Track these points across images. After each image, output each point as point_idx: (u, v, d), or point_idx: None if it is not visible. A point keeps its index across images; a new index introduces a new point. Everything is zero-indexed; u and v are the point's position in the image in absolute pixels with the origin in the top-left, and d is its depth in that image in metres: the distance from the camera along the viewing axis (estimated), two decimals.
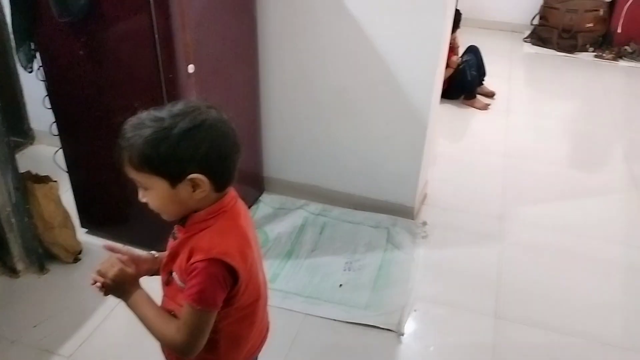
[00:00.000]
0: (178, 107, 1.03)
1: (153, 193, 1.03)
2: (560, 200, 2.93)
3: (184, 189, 1.01)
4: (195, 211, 1.06)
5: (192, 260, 1.02)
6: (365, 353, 1.97)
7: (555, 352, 1.99)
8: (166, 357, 1.24)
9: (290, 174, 2.77)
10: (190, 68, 1.92)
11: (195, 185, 1.01)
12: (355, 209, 2.70)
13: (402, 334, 2.03)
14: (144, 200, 1.06)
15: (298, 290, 2.21)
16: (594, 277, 2.37)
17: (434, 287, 2.29)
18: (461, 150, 3.48)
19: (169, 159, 0.98)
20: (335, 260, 2.38)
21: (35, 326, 2.00)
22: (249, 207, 2.67)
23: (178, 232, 1.11)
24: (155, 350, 1.23)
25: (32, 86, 2.69)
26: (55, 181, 2.21)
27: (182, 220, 1.09)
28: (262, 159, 2.73)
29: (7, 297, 2.14)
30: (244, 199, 2.80)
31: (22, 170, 2.20)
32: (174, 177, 1.00)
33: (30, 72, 2.13)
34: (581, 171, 3.29)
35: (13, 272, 2.22)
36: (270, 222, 2.58)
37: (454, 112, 3.95)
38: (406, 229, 2.57)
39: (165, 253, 1.15)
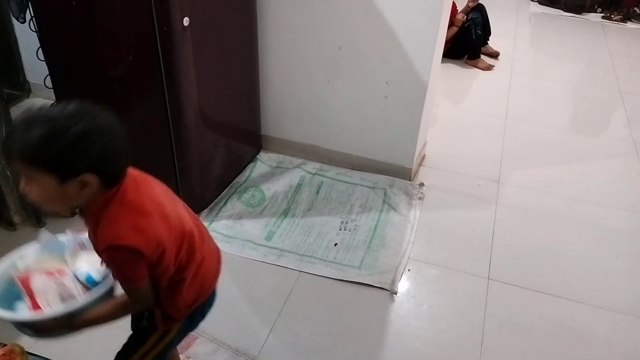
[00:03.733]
0: (72, 107, 1.01)
1: (39, 187, 1.01)
2: (559, 164, 2.92)
3: (72, 186, 1.01)
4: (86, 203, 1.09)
5: (98, 252, 1.08)
6: (359, 311, 2.00)
7: (546, 313, 2.02)
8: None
9: (288, 133, 2.74)
10: (186, 21, 1.88)
11: (84, 184, 1.01)
12: (353, 169, 2.69)
13: (395, 293, 2.06)
14: (25, 190, 1.03)
15: (293, 249, 2.22)
16: (588, 241, 2.38)
17: (428, 248, 2.30)
18: (462, 111, 3.44)
19: (63, 159, 0.97)
20: (331, 220, 2.39)
21: None
22: (246, 165, 2.66)
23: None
24: None
25: (27, 38, 2.65)
26: None
27: (81, 214, 1.11)
28: (260, 117, 2.71)
29: (5, 249, 2.14)
30: (242, 157, 2.79)
31: None
32: (65, 175, 1.00)
33: (23, 22, 2.09)
34: (582, 135, 3.26)
35: (10, 224, 2.23)
36: (267, 181, 2.58)
37: (456, 72, 3.89)
38: (403, 190, 2.57)
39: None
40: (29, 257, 1.24)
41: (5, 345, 0.83)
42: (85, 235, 1.22)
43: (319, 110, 2.62)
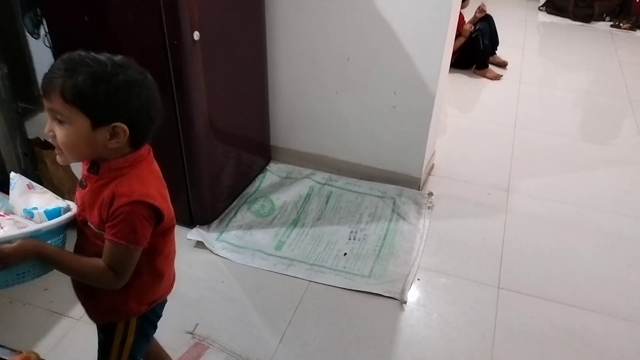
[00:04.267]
0: (120, 57, 1.06)
1: (69, 129, 1.02)
2: (569, 172, 2.91)
3: (102, 134, 1.03)
4: (103, 159, 1.09)
5: (115, 206, 1.06)
6: (369, 320, 2.00)
7: (557, 321, 2.01)
8: (77, 293, 1.26)
9: (297, 143, 2.77)
10: (196, 35, 1.91)
11: (114, 133, 1.04)
12: (362, 178, 2.70)
13: (405, 302, 2.06)
14: (50, 133, 1.04)
15: (303, 258, 2.24)
16: (599, 250, 2.37)
17: (438, 257, 2.30)
18: (471, 120, 3.45)
19: (102, 102, 1.00)
20: (340, 229, 2.40)
21: (45, 289, 2.05)
22: (256, 175, 2.69)
23: (87, 181, 1.12)
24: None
25: (41, 53, 2.70)
26: None
27: (94, 169, 1.10)
28: (269, 128, 2.73)
29: None
30: (251, 167, 2.82)
31: (31, 136, 2.22)
32: (100, 121, 1.02)
33: (37, 38, 2.14)
34: (592, 143, 3.26)
35: None
36: (276, 191, 2.60)
37: (465, 81, 3.90)
38: (412, 200, 2.57)
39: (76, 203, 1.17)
40: None
41: (22, 352, 0.84)
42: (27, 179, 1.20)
43: (328, 120, 2.65)
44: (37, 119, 3.12)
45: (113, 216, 1.06)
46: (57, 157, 1.09)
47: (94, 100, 1.00)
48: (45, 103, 1.02)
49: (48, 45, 2.14)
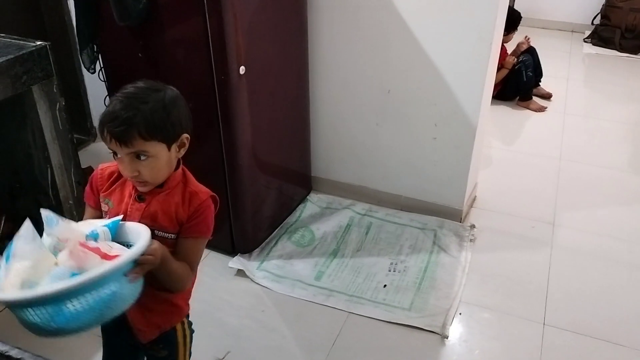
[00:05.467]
0: (146, 82, 1.18)
1: (154, 161, 1.12)
2: (616, 206, 2.82)
3: (174, 150, 1.17)
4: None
5: (196, 203, 1.20)
6: (408, 354, 1.97)
7: None
8: (131, 315, 1.24)
9: (337, 174, 2.79)
10: (242, 69, 1.98)
11: (182, 144, 1.19)
12: (402, 210, 2.70)
13: (447, 337, 2.02)
14: (136, 174, 1.12)
15: (342, 289, 2.23)
16: None
17: (480, 291, 2.26)
18: (514, 152, 3.40)
19: (173, 123, 1.15)
20: (380, 261, 2.39)
21: None
22: (297, 205, 2.72)
23: (147, 195, 1.19)
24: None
25: (95, 86, 2.84)
26: None
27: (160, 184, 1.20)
28: (310, 159, 2.77)
29: None
30: (292, 197, 2.86)
31: (84, 166, 2.33)
32: (172, 140, 1.16)
33: (93, 72, 2.25)
34: (639, 177, 3.15)
35: None
36: (316, 221, 2.62)
37: (508, 113, 3.86)
38: (453, 232, 2.55)
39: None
40: (50, 235, 1.10)
41: None
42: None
43: (368, 152, 2.67)
44: (90, 149, 3.28)
45: (195, 214, 1.19)
46: (140, 187, 1.17)
47: (166, 126, 1.13)
48: (124, 150, 1.10)
49: (102, 80, 2.26)
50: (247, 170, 2.24)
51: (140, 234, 1.10)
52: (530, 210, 2.75)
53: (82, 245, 1.04)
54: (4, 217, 2.28)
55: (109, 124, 1.09)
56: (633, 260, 2.43)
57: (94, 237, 1.10)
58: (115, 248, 1.08)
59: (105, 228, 1.12)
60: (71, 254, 1.03)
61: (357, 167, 2.74)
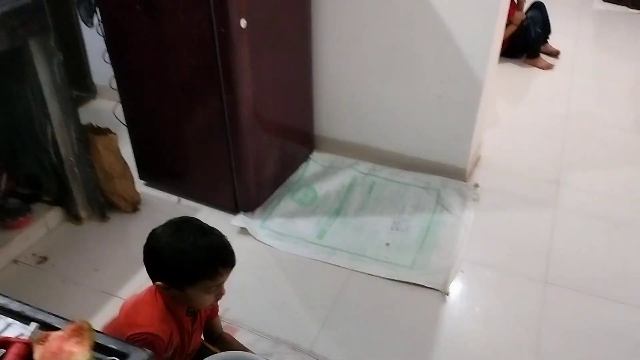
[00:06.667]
0: (196, 219, 1.34)
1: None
2: (621, 166, 2.79)
3: None
4: None
5: (217, 303, 1.41)
6: (409, 311, 1.99)
7: (608, 320, 1.94)
8: None
9: (341, 133, 2.76)
10: (243, 22, 1.93)
11: None
12: (405, 169, 2.67)
13: (448, 294, 2.03)
14: (220, 295, 1.33)
15: (344, 247, 2.24)
16: None
17: (482, 250, 2.26)
18: (521, 111, 3.35)
19: None
20: (383, 220, 2.38)
21: (96, 270, 2.13)
22: (300, 164, 2.70)
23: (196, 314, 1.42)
24: None
25: (94, 41, 2.78)
26: (115, 133, 2.30)
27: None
28: (314, 118, 2.74)
29: (71, 242, 2.28)
30: (295, 156, 2.82)
31: (84, 123, 2.30)
32: None
33: (91, 26, 2.20)
34: None
35: (77, 219, 2.36)
36: (319, 180, 2.60)
37: (515, 71, 3.80)
38: (457, 191, 2.53)
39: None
40: None
41: (75, 322, 0.89)
42: None
43: (372, 110, 2.63)
44: (90, 106, 3.24)
45: (215, 310, 1.52)
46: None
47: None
48: (224, 277, 1.29)
49: (101, 34, 2.20)
50: (249, 128, 2.21)
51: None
52: (534, 170, 2.73)
53: None
54: (5, 175, 2.27)
55: (231, 257, 1.29)
56: (637, 220, 2.42)
57: None
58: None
59: None
60: None
61: (360, 125, 2.70)
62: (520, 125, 3.16)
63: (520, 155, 2.87)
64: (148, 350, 0.88)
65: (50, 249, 2.23)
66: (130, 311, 1.32)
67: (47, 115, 2.09)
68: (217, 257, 1.27)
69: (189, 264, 1.25)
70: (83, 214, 2.36)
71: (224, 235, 1.31)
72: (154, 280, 1.29)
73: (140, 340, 1.21)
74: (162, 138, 2.37)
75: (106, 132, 2.27)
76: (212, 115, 2.16)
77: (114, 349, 0.87)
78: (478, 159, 2.78)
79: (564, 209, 2.47)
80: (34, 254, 2.20)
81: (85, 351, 0.84)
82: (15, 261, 2.16)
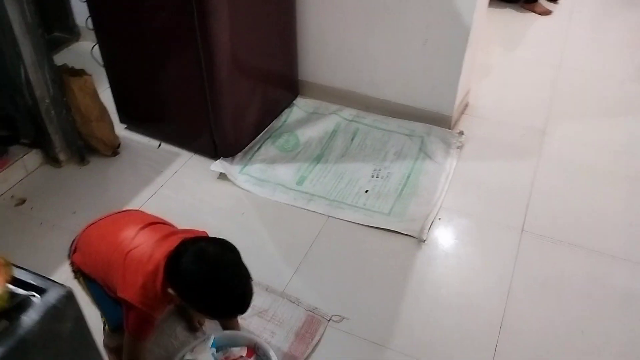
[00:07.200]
0: (227, 244, 1.35)
1: None
2: (609, 117, 2.74)
3: None
4: None
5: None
6: (385, 257, 1.99)
7: (580, 268, 1.95)
8: None
9: (326, 79, 2.70)
10: None
11: None
12: (390, 116, 2.63)
13: (423, 241, 2.03)
14: None
15: (323, 194, 2.23)
16: (631, 198, 2.26)
17: (462, 198, 2.25)
18: (514, 58, 3.27)
19: None
20: (364, 167, 2.37)
21: (74, 212, 2.14)
22: (283, 110, 2.66)
23: None
24: None
25: None
26: (90, 75, 2.25)
27: None
28: (297, 62, 2.67)
29: (50, 185, 2.28)
30: (278, 102, 2.78)
31: (61, 64, 2.25)
32: None
33: None
34: (638, 88, 3.03)
35: (56, 162, 2.35)
36: (302, 126, 2.57)
37: (512, 16, 3.68)
38: (441, 139, 2.50)
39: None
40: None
41: None
42: None
43: (358, 55, 2.56)
44: (73, 48, 3.17)
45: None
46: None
47: None
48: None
49: None
50: (227, 75, 2.15)
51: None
52: (522, 119, 2.69)
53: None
54: None
55: (247, 307, 1.27)
56: (619, 171, 2.39)
57: (214, 346, 1.52)
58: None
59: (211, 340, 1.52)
60: None
61: (345, 71, 2.64)
62: (512, 73, 3.09)
63: (509, 103, 2.82)
64: (66, 287, 0.88)
65: (29, 191, 2.23)
66: (131, 269, 1.29)
67: (19, 56, 2.04)
68: (237, 308, 1.29)
69: (213, 307, 1.27)
70: (62, 156, 2.35)
71: (250, 282, 1.29)
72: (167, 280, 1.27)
73: (141, 311, 1.27)
74: (140, 82, 2.32)
75: (81, 73, 2.22)
76: (187, 62, 2.10)
77: (32, 284, 0.87)
78: (466, 106, 2.74)
79: (548, 159, 2.44)
80: (12, 196, 2.20)
81: None
82: None
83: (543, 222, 2.12)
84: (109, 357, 1.57)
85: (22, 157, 2.29)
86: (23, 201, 2.18)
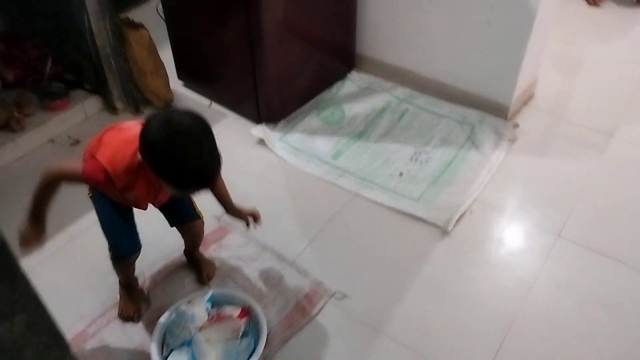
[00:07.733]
0: (196, 115, 1.30)
1: None
2: None
3: None
4: None
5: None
6: (403, 243, 1.93)
7: (614, 283, 1.77)
8: None
9: (383, 54, 2.63)
10: None
11: None
12: (445, 99, 2.52)
13: (448, 232, 1.95)
14: None
15: (355, 171, 2.19)
16: None
17: (501, 193, 2.12)
18: (605, 55, 2.96)
19: None
20: (404, 149, 2.29)
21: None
22: (335, 82, 2.62)
23: None
24: None
25: None
26: (146, 29, 2.34)
27: None
28: (356, 34, 2.62)
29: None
30: (331, 73, 2.75)
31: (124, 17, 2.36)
32: None
33: None
34: None
35: (113, 109, 2.49)
36: (351, 101, 2.53)
37: (617, 11, 3.34)
38: (493, 129, 2.36)
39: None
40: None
41: None
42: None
43: (417, 32, 2.46)
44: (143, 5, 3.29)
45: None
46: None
47: None
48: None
49: None
50: (275, 39, 2.15)
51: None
52: (591, 118, 2.46)
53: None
54: (50, 59, 2.41)
55: (208, 184, 1.33)
56: None
57: (211, 301, 1.64)
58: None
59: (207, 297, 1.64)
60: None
61: (403, 47, 2.55)
62: (596, 69, 2.82)
63: (582, 100, 2.59)
64: None
65: (85, 133, 2.38)
66: (109, 142, 1.34)
67: (83, 4, 2.17)
68: (197, 182, 1.28)
69: (169, 173, 1.26)
70: (119, 105, 2.48)
71: (215, 158, 1.26)
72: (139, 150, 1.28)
73: (89, 170, 1.33)
74: (196, 41, 2.39)
75: (139, 27, 2.32)
76: (236, 25, 2.13)
77: None
78: (530, 97, 2.55)
79: (609, 163, 2.23)
80: (69, 136, 2.37)
81: None
82: (51, 140, 2.35)
83: (584, 231, 1.95)
84: (119, 293, 1.68)
85: (83, 101, 2.45)
86: (77, 142, 2.34)
